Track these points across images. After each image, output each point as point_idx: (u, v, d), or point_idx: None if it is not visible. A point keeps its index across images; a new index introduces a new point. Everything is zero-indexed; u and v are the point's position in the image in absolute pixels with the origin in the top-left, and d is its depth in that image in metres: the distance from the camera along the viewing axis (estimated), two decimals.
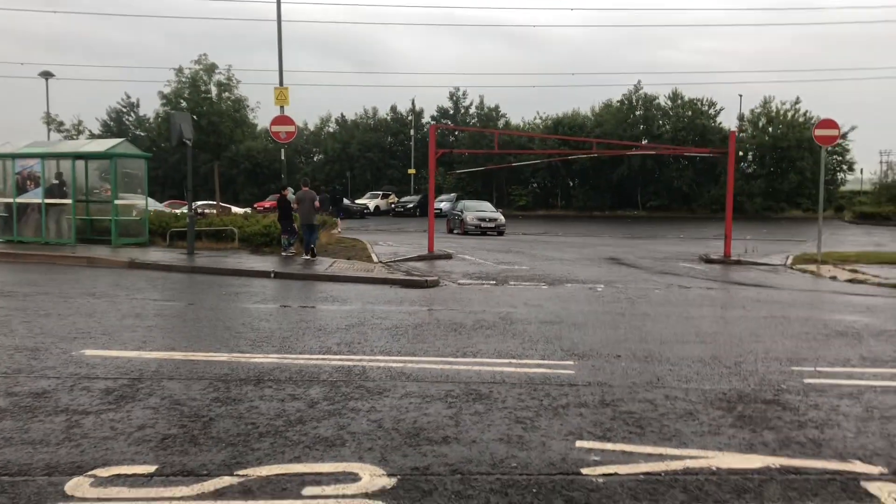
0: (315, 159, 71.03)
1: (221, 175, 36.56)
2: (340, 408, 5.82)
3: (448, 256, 20.22)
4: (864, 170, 69.09)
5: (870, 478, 4.56)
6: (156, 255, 17.98)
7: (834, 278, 16.50)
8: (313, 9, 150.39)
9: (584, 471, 4.56)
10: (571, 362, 7.53)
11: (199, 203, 37.10)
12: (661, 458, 4.85)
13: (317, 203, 18.42)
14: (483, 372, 7.07)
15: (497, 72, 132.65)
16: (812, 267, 18.56)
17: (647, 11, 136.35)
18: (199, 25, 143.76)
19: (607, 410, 5.86)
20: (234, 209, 35.47)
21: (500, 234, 33.19)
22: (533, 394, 6.30)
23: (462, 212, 35.11)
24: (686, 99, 60.05)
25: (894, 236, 34.64)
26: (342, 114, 72.12)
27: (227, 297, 12.34)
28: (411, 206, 54.90)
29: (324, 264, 17.04)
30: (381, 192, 59.72)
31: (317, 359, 7.54)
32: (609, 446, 5.05)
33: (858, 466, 4.73)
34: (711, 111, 59.82)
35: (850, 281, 15.91)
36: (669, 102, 60.48)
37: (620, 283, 15.16)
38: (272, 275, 15.35)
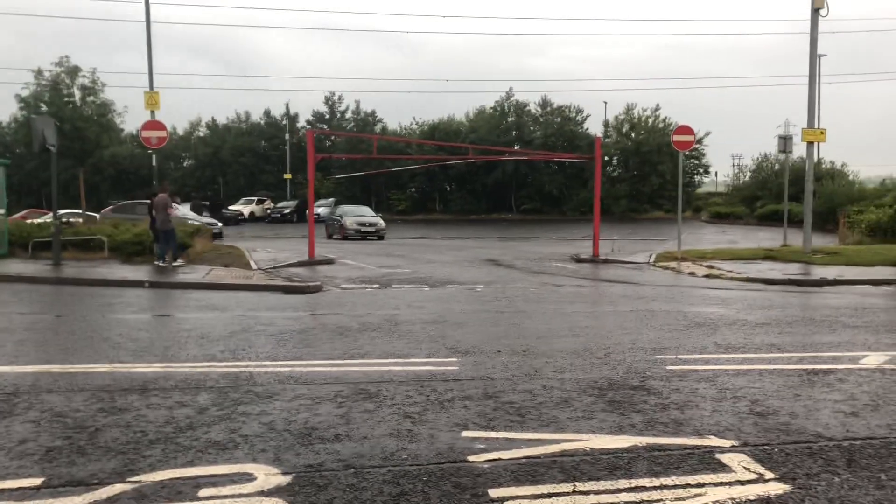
0: (185, 165, 68.73)
1: (85, 182, 34.80)
2: (230, 412, 5.86)
3: (330, 262, 20.23)
4: (719, 173, 74.11)
5: (723, 450, 5.07)
6: (18, 266, 17.01)
7: (693, 274, 17.74)
8: (182, 10, 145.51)
9: (471, 458, 4.85)
10: (455, 359, 7.85)
11: (63, 212, 35.18)
12: (541, 442, 5.20)
13: (170, 209, 17.93)
14: (371, 372, 7.26)
15: (373, 76, 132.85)
16: (673, 264, 19.84)
17: (517, 20, 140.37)
18: (54, 24, 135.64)
19: (490, 402, 6.19)
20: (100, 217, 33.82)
21: (381, 238, 33.40)
22: (420, 390, 6.56)
23: (342, 217, 35.08)
24: (555, 106, 62.36)
25: (746, 234, 37.44)
26: (213, 118, 70.24)
27: (100, 309, 11.91)
28: (288, 211, 54.17)
29: (200, 272, 16.69)
30: (255, 198, 58.56)
31: (202, 366, 7.50)
32: (493, 434, 5.36)
33: (713, 441, 5.25)
34: (579, 117, 62.38)
35: (707, 276, 17.15)
36: (540, 109, 62.63)
37: (499, 283, 15.71)
38: (146, 284, 14.90)
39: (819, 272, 17.14)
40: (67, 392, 6.43)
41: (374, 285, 15.23)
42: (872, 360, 7.77)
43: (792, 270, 17.97)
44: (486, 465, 4.72)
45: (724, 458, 4.91)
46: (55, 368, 7.32)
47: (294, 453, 4.93)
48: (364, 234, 33.51)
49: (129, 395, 6.33)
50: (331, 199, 51.79)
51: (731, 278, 16.65)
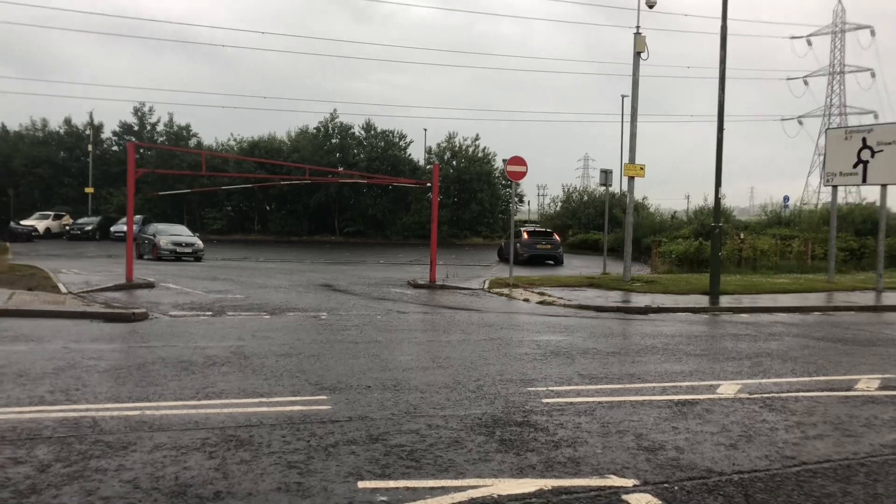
0: None
1: None
2: (81, 469, 5.00)
3: (150, 285, 18.67)
4: (530, 202, 77.85)
5: (627, 490, 4.99)
6: None
7: (527, 300, 18.16)
8: None
9: None
10: (325, 396, 7.31)
11: None
12: (445, 490, 4.86)
13: None
14: (236, 414, 6.56)
15: (187, 89, 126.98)
16: (506, 290, 20.25)
17: (338, 42, 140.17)
18: None
19: (378, 446, 5.76)
20: None
21: (198, 259, 31.58)
22: (297, 434, 5.99)
23: (154, 235, 32.77)
24: (379, 130, 62.58)
25: None
26: (3, 124, 63.74)
27: None
28: (90, 228, 50.14)
29: (0, 297, 14.74)
30: (52, 213, 53.64)
31: (30, 411, 6.44)
32: (392, 484, 4.95)
33: (616, 481, 5.16)
34: (402, 143, 62.96)
35: (542, 303, 17.61)
36: (364, 132, 62.57)
37: (342, 310, 15.18)
38: None
39: (642, 300, 18.14)
40: None
41: (207, 312, 14.17)
42: (727, 388, 8.15)
43: (617, 298, 18.90)
44: None
45: (631, 499, 4.82)
46: None
47: None
48: (179, 255, 31.52)
49: None
50: (139, 217, 48.41)
51: (565, 305, 17.20)
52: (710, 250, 20.23)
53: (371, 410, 6.82)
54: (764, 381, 8.72)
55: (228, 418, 6.43)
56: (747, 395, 7.85)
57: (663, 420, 6.79)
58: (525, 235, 35.35)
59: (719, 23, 19.33)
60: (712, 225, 20.09)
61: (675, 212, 58.32)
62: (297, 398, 7.25)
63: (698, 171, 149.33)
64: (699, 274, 23.11)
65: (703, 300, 18.40)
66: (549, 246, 34.41)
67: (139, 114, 62.83)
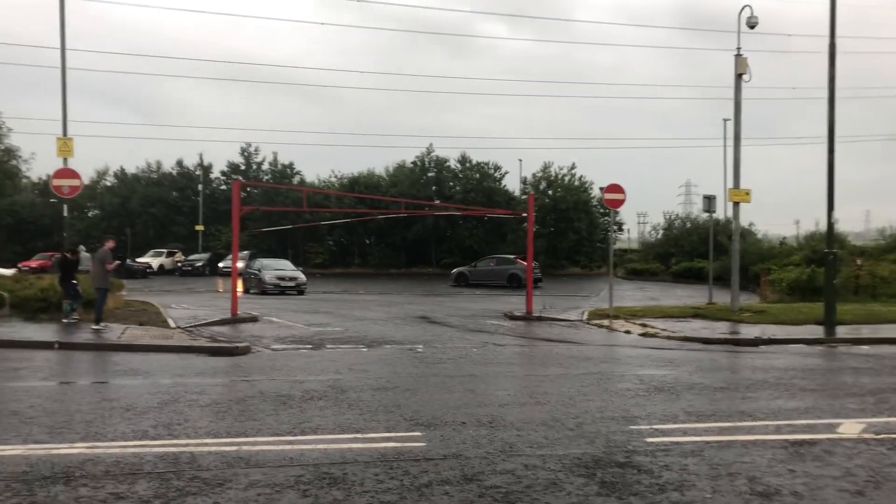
0: (90, 215, 65.61)
1: None
2: None
3: (254, 319, 19.18)
4: (630, 230, 76.24)
5: None
6: None
7: (628, 332, 17.60)
8: (92, 56, 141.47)
9: None
10: (419, 433, 7.18)
11: None
12: None
13: (109, 265, 16.53)
14: (330, 451, 6.51)
15: (290, 128, 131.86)
16: (606, 322, 19.71)
17: (432, 78, 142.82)
18: None
19: (472, 486, 5.56)
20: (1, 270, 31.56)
21: (301, 293, 32.30)
22: (391, 472, 5.87)
23: (260, 270, 33.78)
24: (474, 162, 62.92)
25: (664, 290, 38.10)
26: (122, 167, 67.67)
27: (4, 375, 10.68)
28: (200, 264, 52.24)
29: (115, 332, 15.43)
30: (165, 250, 56.31)
31: (133, 446, 6.59)
32: None
33: None
34: (497, 174, 63.04)
35: (644, 335, 17.02)
36: (459, 165, 63.07)
37: (437, 342, 15.11)
38: (56, 346, 13.61)
39: (752, 331, 17.27)
40: None
41: (307, 346, 14.38)
42: (849, 428, 7.53)
43: (724, 329, 18.09)
44: None
45: None
46: None
47: None
48: (283, 289, 32.33)
49: (53, 486, 5.41)
50: (245, 252, 50.22)
51: (668, 337, 16.56)
52: (825, 278, 19.10)
53: (465, 448, 6.63)
54: (891, 419, 8.04)
55: (323, 455, 6.38)
56: (873, 436, 7.22)
57: (778, 462, 6.31)
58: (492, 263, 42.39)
59: (827, 41, 18.47)
60: (826, 251, 19.00)
61: (784, 238, 55.88)
62: (392, 434, 7.15)
63: (808, 195, 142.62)
64: (812, 303, 21.84)
65: (817, 331, 17.35)
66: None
67: (245, 154, 65.45)
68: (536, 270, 38.07)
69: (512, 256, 42.75)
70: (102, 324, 15.96)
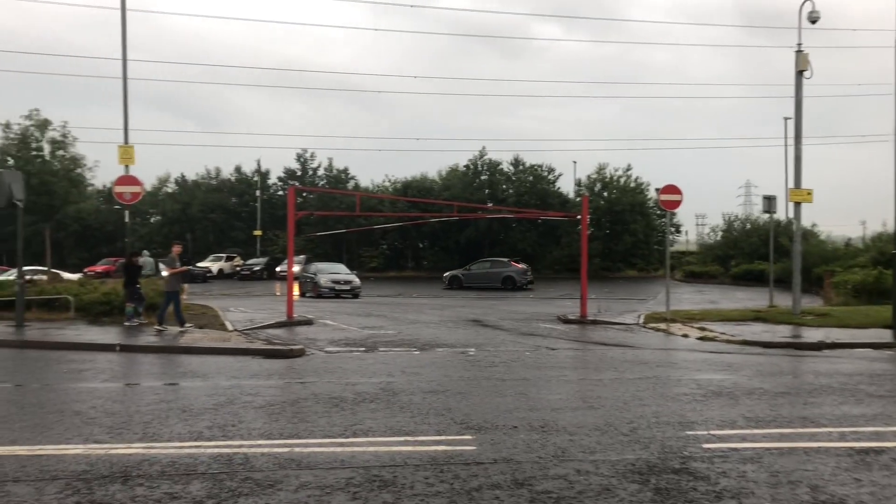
0: (152, 221, 67.40)
1: (49, 238, 33.67)
2: None
3: (309, 322, 19.39)
4: (687, 232, 74.82)
5: None
6: None
7: (686, 336, 17.24)
8: (152, 66, 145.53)
9: None
10: (469, 437, 7.13)
11: (27, 269, 33.95)
12: None
13: (173, 269, 16.97)
14: (381, 453, 6.52)
15: (345, 134, 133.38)
16: (663, 325, 19.36)
17: (485, 81, 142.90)
18: (22, 77, 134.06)
19: (523, 491, 5.49)
20: (65, 275, 32.65)
21: (356, 296, 32.57)
22: (440, 476, 5.84)
23: (315, 274, 34.22)
24: (527, 165, 62.58)
25: (723, 293, 37.27)
26: (182, 174, 69.30)
27: (69, 376, 11.00)
28: (258, 268, 53.17)
29: (174, 335, 15.78)
30: (225, 255, 57.45)
31: (189, 447, 6.70)
32: None
33: None
34: (550, 176, 62.59)
35: (702, 339, 16.65)
36: (512, 168, 62.79)
37: (490, 346, 15.04)
38: (118, 348, 13.98)
39: (815, 335, 16.74)
40: (37, 482, 5.60)
41: (360, 348, 14.46)
42: None
43: (785, 333, 17.59)
44: None
45: None
46: (21, 451, 6.47)
47: None
48: (338, 293, 32.64)
49: (111, 485, 5.53)
50: (302, 256, 50.89)
51: (727, 341, 16.17)
52: (893, 279, 18.42)
53: (517, 452, 6.56)
54: None
55: (373, 457, 6.39)
56: None
57: (843, 470, 6.07)
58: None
59: (893, 34, 17.83)
60: (894, 252, 18.31)
61: (849, 239, 54.21)
62: (442, 437, 7.12)
63: (875, 194, 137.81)
64: (879, 306, 21.07)
65: (885, 335, 16.72)
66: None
67: (301, 159, 66.39)
68: (528, 274, 41.21)
69: (506, 259, 43.81)
70: (165, 325, 16.40)
